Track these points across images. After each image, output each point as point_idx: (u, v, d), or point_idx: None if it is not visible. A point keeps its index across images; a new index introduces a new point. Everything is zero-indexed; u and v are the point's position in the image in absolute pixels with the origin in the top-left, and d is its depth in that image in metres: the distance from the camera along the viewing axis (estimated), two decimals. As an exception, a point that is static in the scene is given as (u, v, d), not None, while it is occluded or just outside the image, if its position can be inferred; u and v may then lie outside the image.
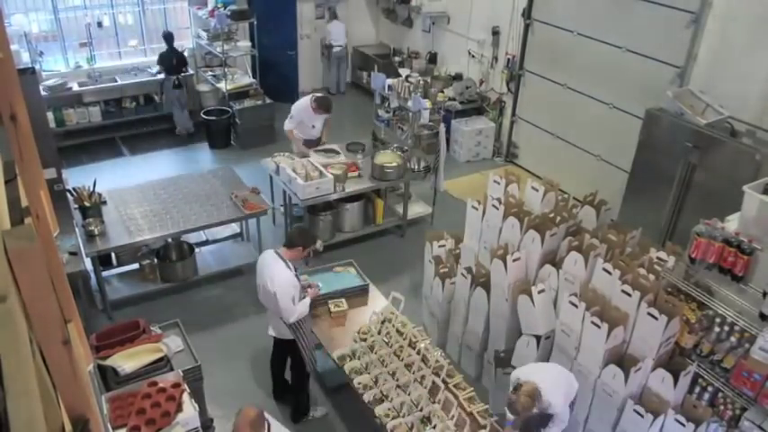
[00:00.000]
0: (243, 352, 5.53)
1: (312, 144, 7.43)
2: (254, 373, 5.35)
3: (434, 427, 3.83)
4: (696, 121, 5.92)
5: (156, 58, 9.22)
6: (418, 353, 4.36)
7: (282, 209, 7.20)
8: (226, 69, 9.48)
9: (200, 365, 4.27)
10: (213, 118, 9.23)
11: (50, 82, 8.53)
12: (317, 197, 6.52)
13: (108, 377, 3.91)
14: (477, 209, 5.13)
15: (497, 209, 4.89)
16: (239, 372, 5.35)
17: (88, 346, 3.29)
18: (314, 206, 6.71)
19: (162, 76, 9.14)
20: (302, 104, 7.19)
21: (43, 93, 8.01)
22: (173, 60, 9.01)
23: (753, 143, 5.80)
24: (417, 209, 7.69)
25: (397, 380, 4.18)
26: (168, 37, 8.99)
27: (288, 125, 7.30)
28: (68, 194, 5.85)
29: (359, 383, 4.19)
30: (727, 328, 3.84)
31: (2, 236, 1.23)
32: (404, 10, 10.74)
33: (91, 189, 5.95)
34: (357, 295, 5.13)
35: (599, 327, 3.92)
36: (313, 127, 7.30)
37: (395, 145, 7.60)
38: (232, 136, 9.51)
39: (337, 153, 7.27)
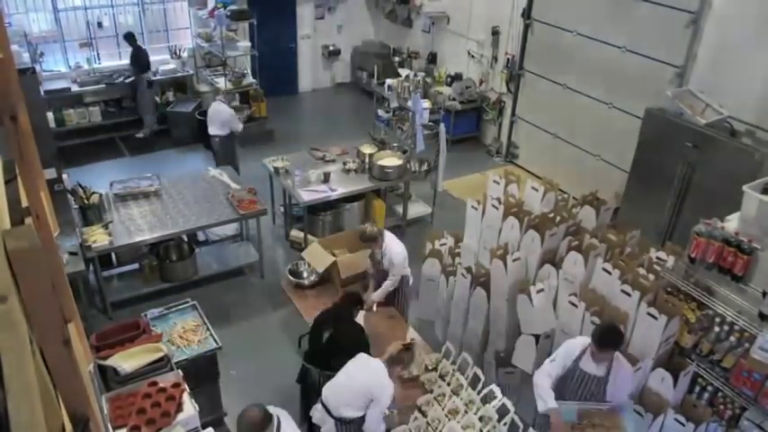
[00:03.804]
0: (243, 351, 5.53)
1: None
2: (255, 371, 5.35)
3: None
4: (696, 120, 5.92)
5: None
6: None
7: (282, 209, 7.20)
8: (226, 69, 9.47)
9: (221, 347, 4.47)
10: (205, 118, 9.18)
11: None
12: (316, 198, 6.53)
13: (108, 377, 3.90)
14: (476, 209, 5.12)
15: (497, 209, 4.88)
16: (241, 370, 5.35)
17: (88, 346, 3.30)
18: (314, 206, 6.71)
19: (131, 78, 8.91)
20: None
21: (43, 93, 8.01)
22: (145, 58, 8.87)
23: (752, 143, 5.80)
24: (417, 209, 7.68)
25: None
26: (130, 36, 8.82)
27: None
28: (68, 194, 5.85)
29: None
30: (726, 327, 3.83)
31: (2, 236, 1.23)
32: (404, 10, 10.74)
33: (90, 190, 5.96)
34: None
35: (599, 327, 3.92)
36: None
37: (395, 144, 7.60)
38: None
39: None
